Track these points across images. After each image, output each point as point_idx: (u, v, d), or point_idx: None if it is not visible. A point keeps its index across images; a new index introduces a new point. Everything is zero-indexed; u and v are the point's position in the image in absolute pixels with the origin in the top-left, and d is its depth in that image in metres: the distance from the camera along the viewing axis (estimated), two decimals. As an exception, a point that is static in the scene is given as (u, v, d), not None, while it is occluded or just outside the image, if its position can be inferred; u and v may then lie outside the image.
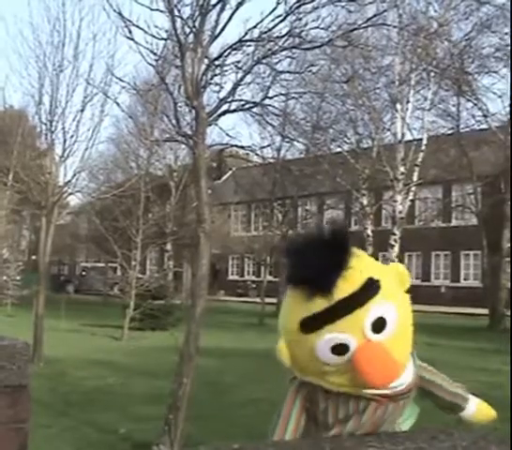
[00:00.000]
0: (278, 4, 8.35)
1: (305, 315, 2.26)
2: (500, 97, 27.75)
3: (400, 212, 25.91)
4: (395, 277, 2.39)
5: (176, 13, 8.17)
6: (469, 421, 2.68)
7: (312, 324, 2.24)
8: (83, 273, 55.97)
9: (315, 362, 2.28)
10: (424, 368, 2.63)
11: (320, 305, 2.22)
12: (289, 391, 2.49)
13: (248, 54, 9.07)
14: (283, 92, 16.30)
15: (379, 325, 2.24)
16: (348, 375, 2.25)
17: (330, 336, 2.22)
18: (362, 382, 2.21)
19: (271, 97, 10.72)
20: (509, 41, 24.18)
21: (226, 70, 9.01)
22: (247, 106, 9.36)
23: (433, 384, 2.65)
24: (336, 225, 2.33)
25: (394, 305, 2.30)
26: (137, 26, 8.62)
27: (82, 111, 16.37)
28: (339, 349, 2.22)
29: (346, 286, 2.21)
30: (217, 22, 8.29)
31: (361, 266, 2.29)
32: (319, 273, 2.21)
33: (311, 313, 2.24)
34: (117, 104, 26.20)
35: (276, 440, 2.39)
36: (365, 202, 29.87)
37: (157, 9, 8.42)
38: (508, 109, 27.02)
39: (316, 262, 2.21)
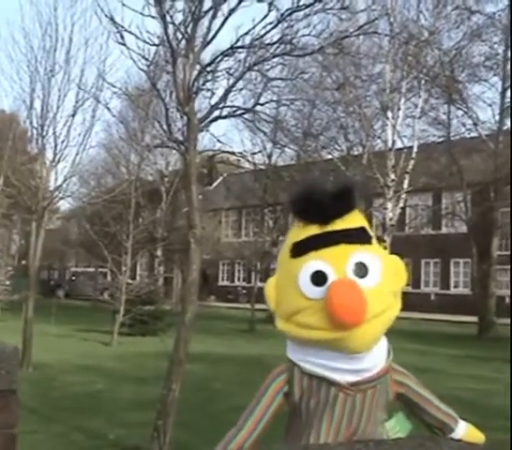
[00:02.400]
0: (269, 11, 8.37)
1: (297, 239, 2.44)
2: (490, 105, 27.93)
3: (391, 219, 25.99)
4: (391, 265, 2.51)
5: (168, 19, 8.18)
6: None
7: (300, 249, 2.42)
8: (73, 278, 55.90)
9: (295, 295, 2.39)
10: (411, 379, 2.59)
11: (312, 231, 2.40)
12: (267, 377, 2.53)
13: (239, 61, 9.09)
14: (275, 98, 16.41)
15: (361, 271, 2.36)
16: (320, 315, 2.31)
17: (313, 262, 2.36)
18: (331, 317, 2.27)
19: (262, 104, 10.76)
20: (499, 51, 24.30)
21: (218, 76, 9.03)
22: (238, 112, 9.38)
23: (422, 398, 2.58)
24: (353, 180, 2.56)
25: (381, 266, 2.42)
26: (129, 32, 8.63)
27: (73, 115, 16.37)
28: (318, 277, 2.34)
29: (340, 223, 2.39)
30: (209, 28, 8.30)
31: (361, 219, 2.51)
32: (321, 204, 2.38)
33: (302, 238, 2.42)
34: (108, 109, 26.13)
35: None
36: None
37: (149, 15, 8.43)
38: (498, 117, 27.14)
39: (321, 195, 2.39)
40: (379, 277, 2.39)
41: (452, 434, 2.55)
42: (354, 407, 2.41)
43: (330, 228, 2.39)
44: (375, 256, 2.43)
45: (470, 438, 2.54)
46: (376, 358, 2.44)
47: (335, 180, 2.57)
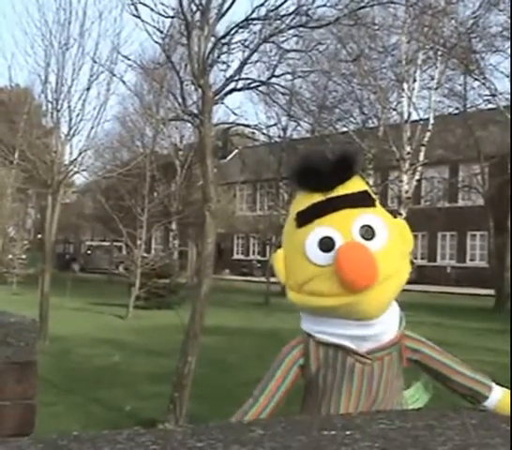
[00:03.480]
0: (285, -19, 8.30)
1: (300, 209, 2.46)
2: (507, 76, 27.60)
3: (406, 192, 25.84)
4: (396, 227, 2.52)
5: (183, -9, 8.13)
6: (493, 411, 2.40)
7: (305, 218, 2.43)
8: (89, 251, 56.07)
9: (304, 264, 2.40)
10: (429, 346, 2.54)
11: (315, 199, 2.41)
12: (282, 349, 2.53)
13: (254, 33, 9.03)
14: (290, 71, 16.28)
15: (367, 233, 2.37)
16: (331, 280, 2.31)
17: (319, 229, 2.37)
18: (342, 281, 2.27)
19: (277, 76, 10.69)
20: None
21: (233, 49, 8.99)
22: (253, 85, 9.33)
23: (442, 364, 2.50)
24: (350, 149, 2.64)
25: (387, 227, 2.43)
26: (143, 4, 8.59)
27: (87, 89, 16.37)
28: (326, 244, 2.35)
29: (342, 189, 2.41)
30: (223, -1, 8.25)
31: (363, 184, 2.52)
32: (321, 172, 2.40)
33: (306, 206, 2.43)
34: (123, 82, 26.07)
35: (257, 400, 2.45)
36: (370, 181, 29.73)
37: (163, -13, 8.38)
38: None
39: (321, 164, 2.41)
40: (386, 239, 2.39)
41: (486, 402, 2.47)
42: (372, 376, 2.40)
43: (332, 194, 2.40)
44: (380, 218, 2.44)
45: (506, 406, 2.43)
46: (387, 324, 2.43)
47: (332, 150, 2.57)
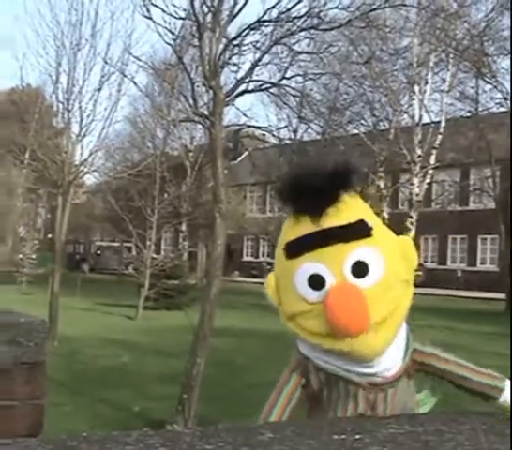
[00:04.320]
0: (297, -16, 8.30)
1: (290, 238, 2.28)
2: (510, 81, 27.56)
3: (417, 195, 25.83)
4: (397, 248, 2.33)
5: (195, -8, 8.13)
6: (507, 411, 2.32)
7: (295, 249, 2.25)
8: (99, 252, 56.12)
9: (294, 297, 2.27)
10: (435, 357, 2.42)
11: (306, 229, 2.23)
12: (286, 368, 2.44)
13: (266, 35, 9.05)
14: (301, 73, 16.27)
15: (360, 270, 2.19)
16: (320, 319, 2.18)
17: (308, 264, 2.21)
18: (332, 326, 2.14)
19: (289, 78, 10.70)
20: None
21: (244, 50, 9.01)
22: (264, 86, 9.34)
23: (451, 375, 2.41)
24: (345, 163, 2.31)
25: (384, 259, 2.23)
26: (155, 5, 8.61)
27: (99, 90, 16.41)
28: (316, 281, 2.20)
29: (336, 218, 2.21)
30: (235, 1, 8.26)
31: (359, 208, 2.30)
32: (312, 196, 2.20)
33: (296, 237, 2.26)
34: (134, 83, 26.11)
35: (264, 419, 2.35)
36: (381, 184, 29.73)
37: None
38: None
39: (313, 187, 2.20)
40: (382, 273, 2.21)
41: (498, 402, 2.39)
42: (377, 403, 2.34)
43: (325, 223, 2.21)
44: (376, 250, 2.23)
45: None
46: (392, 360, 2.30)
47: (322, 166, 2.37)
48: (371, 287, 2.18)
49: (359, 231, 2.23)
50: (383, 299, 2.20)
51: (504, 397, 2.39)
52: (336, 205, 2.21)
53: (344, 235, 2.20)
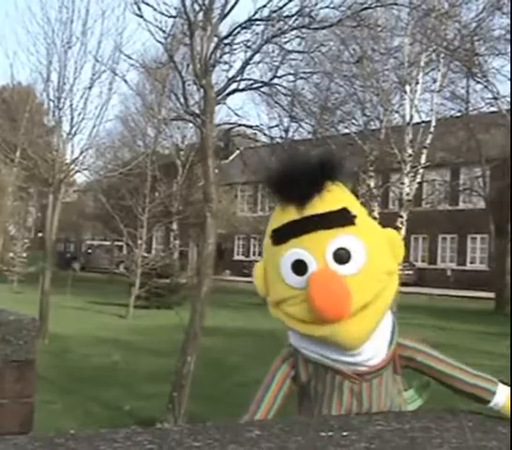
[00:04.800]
0: (288, -17, 8.30)
1: (276, 226, 2.34)
2: (510, 79, 27.59)
3: (408, 194, 25.82)
4: (385, 241, 2.38)
5: (186, -9, 8.13)
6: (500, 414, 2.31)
7: (280, 236, 2.31)
8: (89, 251, 56.05)
9: (279, 283, 2.31)
10: (425, 354, 2.42)
11: (290, 217, 2.29)
12: (274, 360, 2.47)
13: (257, 33, 9.05)
14: (292, 72, 16.28)
15: (342, 257, 2.23)
16: (303, 305, 2.22)
17: (292, 250, 2.26)
18: (313, 312, 2.18)
19: (280, 77, 10.72)
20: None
21: (235, 49, 9.01)
22: (255, 85, 9.35)
23: (444, 375, 2.40)
24: (330, 154, 2.40)
25: (366, 247, 2.27)
26: (146, 3, 8.60)
27: (89, 88, 16.39)
28: (299, 267, 2.25)
29: (320, 206, 2.27)
30: (226, 0, 8.25)
31: (343, 197, 2.35)
32: (297, 185, 2.27)
33: (281, 224, 2.32)
34: (125, 82, 26.04)
35: (254, 413, 2.39)
36: (372, 184, 29.71)
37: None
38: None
39: (298, 176, 2.27)
40: (364, 261, 2.25)
41: (490, 405, 2.33)
42: (361, 393, 2.36)
43: (309, 211, 2.26)
44: (358, 238, 2.28)
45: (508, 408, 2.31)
46: (376, 348, 2.32)
47: (308, 157, 2.44)
48: (353, 274, 2.22)
49: (341, 218, 2.28)
50: (364, 286, 2.23)
51: (496, 401, 2.39)
52: (320, 194, 2.26)
53: (326, 222, 2.25)
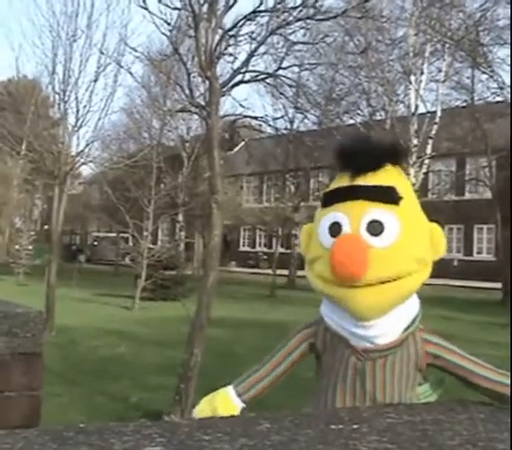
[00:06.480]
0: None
1: (328, 189, 2.53)
2: (510, 71, 27.52)
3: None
4: (426, 232, 2.48)
5: (191, -18, 8.10)
6: None
7: (327, 199, 2.49)
8: (95, 243, 56.07)
9: (316, 242, 2.47)
10: (450, 351, 2.45)
11: (343, 183, 2.46)
12: (298, 325, 2.59)
13: (262, 25, 9.02)
14: (297, 63, 16.26)
15: (375, 229, 2.35)
16: (328, 266, 2.35)
17: (334, 214, 2.42)
18: (331, 269, 2.32)
19: (285, 68, 10.68)
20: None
21: (240, 41, 8.98)
22: (260, 77, 9.31)
23: (466, 371, 2.42)
24: (401, 144, 2.63)
25: (401, 226, 2.37)
26: (151, -5, 8.57)
27: (95, 81, 16.38)
28: (335, 229, 2.40)
29: (371, 179, 2.42)
30: (231, -9, 8.22)
31: (397, 179, 2.49)
32: (361, 155, 2.44)
33: (331, 189, 2.51)
34: (130, 74, 26.13)
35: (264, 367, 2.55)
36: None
37: (171, -22, 8.37)
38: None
39: (366, 148, 2.48)
40: (395, 239, 2.33)
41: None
42: (364, 374, 2.38)
43: (359, 181, 2.41)
44: (396, 216, 2.37)
45: None
46: (387, 328, 2.37)
47: (382, 137, 2.58)
48: (380, 247, 2.32)
49: (386, 195, 2.40)
50: (387, 262, 2.32)
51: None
52: (376, 169, 2.42)
53: (371, 194, 2.39)
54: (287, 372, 2.53)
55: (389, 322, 2.37)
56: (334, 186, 2.50)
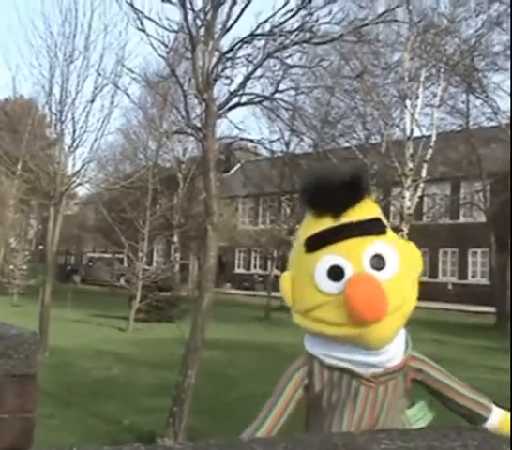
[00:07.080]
0: (289, -2, 8.34)
1: (310, 233, 2.41)
2: (510, 94, 27.65)
3: (408, 208, 25.81)
4: (408, 253, 2.48)
5: (188, 5, 8.17)
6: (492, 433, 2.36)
7: (315, 243, 2.39)
8: (90, 263, 55.90)
9: (312, 290, 2.36)
10: (432, 367, 2.51)
11: (326, 224, 2.37)
12: (287, 370, 2.49)
13: (258, 48, 9.07)
14: (293, 86, 16.33)
15: (378, 263, 2.33)
16: (338, 310, 2.28)
17: (328, 257, 2.33)
18: (351, 314, 2.24)
19: (281, 91, 10.75)
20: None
21: (237, 64, 9.02)
22: (257, 99, 9.37)
23: (444, 385, 2.49)
24: (359, 168, 2.53)
25: (398, 254, 2.38)
26: (149, 18, 8.63)
27: (92, 101, 16.40)
28: (335, 273, 2.31)
29: (355, 215, 2.37)
30: (228, 15, 8.28)
31: (375, 209, 2.47)
32: (332, 194, 2.36)
33: (315, 232, 2.39)
34: (127, 95, 26.11)
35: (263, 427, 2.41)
36: (373, 197, 29.71)
37: (168, 1, 8.43)
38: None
39: (332, 185, 2.37)
40: (397, 268, 2.34)
41: (486, 424, 2.43)
42: (376, 399, 2.38)
43: (343, 220, 2.35)
44: (391, 246, 2.38)
45: (506, 428, 2.39)
46: (395, 350, 2.40)
47: (343, 169, 2.52)
48: (388, 279, 2.31)
49: (376, 227, 2.40)
50: (397, 291, 2.32)
51: (492, 419, 2.44)
52: (356, 204, 2.37)
53: (362, 230, 2.36)
54: (287, 421, 2.45)
55: (395, 344, 2.40)
56: (315, 228, 2.40)
